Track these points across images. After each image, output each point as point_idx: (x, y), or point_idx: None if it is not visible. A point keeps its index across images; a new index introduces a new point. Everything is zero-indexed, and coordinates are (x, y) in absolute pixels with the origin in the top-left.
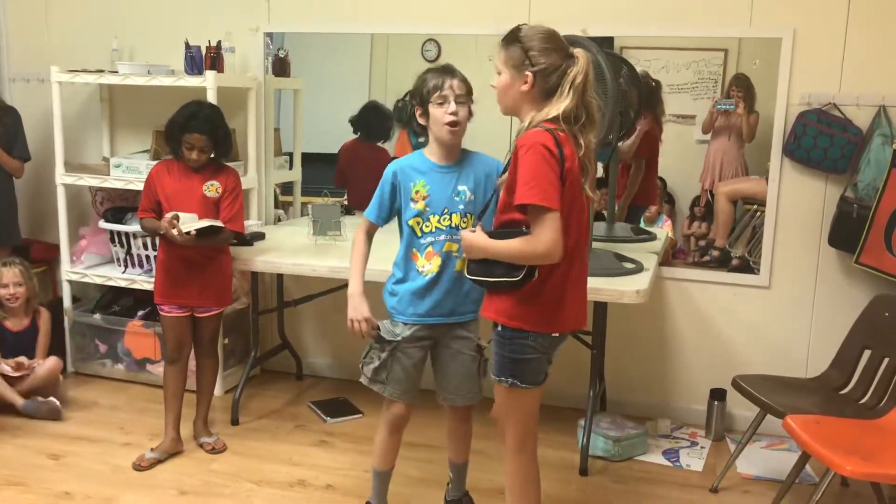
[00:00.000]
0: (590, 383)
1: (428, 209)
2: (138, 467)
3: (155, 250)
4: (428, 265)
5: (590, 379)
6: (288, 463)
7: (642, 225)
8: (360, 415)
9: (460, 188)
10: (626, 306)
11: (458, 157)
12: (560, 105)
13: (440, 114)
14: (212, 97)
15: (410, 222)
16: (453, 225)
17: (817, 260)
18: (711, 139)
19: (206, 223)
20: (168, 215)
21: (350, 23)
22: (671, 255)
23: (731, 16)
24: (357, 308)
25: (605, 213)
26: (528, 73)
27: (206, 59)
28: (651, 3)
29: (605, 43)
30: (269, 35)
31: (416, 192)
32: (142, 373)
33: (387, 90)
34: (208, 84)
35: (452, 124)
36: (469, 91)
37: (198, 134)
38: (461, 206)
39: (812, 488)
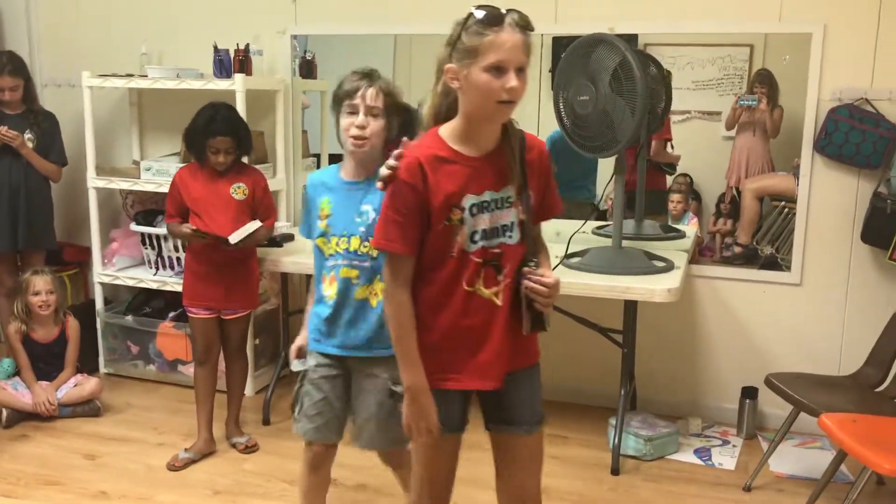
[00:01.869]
0: (621, 382)
1: (330, 230)
2: (172, 467)
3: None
4: (329, 290)
5: (620, 378)
6: None
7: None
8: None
9: (364, 208)
10: (656, 305)
11: (371, 171)
12: None
13: (346, 124)
14: (240, 100)
15: (318, 241)
16: (351, 249)
17: (850, 256)
18: (736, 135)
19: (246, 231)
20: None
21: (375, 24)
22: (698, 253)
23: (761, 11)
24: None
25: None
26: None
27: (234, 62)
28: (678, 0)
29: (630, 40)
30: (296, 37)
31: (321, 209)
32: (174, 373)
33: (411, 90)
34: (237, 87)
35: (357, 138)
36: (391, 105)
37: (221, 136)
38: (361, 229)
39: (846, 487)
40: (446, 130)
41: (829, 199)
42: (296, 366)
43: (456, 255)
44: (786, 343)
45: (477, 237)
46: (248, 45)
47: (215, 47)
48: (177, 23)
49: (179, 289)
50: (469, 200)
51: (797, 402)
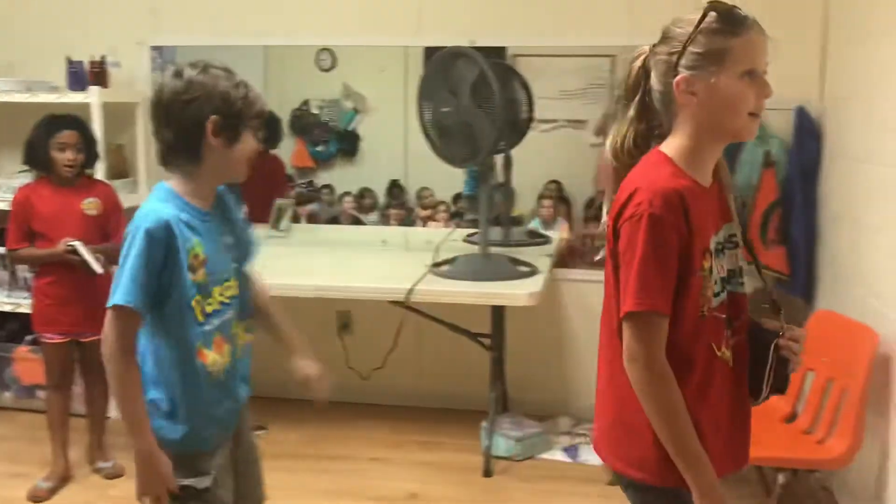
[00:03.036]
0: (490, 385)
1: (209, 280)
2: (36, 498)
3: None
4: (219, 359)
5: (490, 381)
6: None
7: (536, 226)
8: (265, 430)
9: (227, 240)
10: (525, 309)
11: (212, 194)
12: None
13: (251, 146)
14: (96, 113)
15: (193, 303)
16: (235, 294)
17: None
18: (605, 142)
19: (92, 258)
20: (62, 245)
21: (242, 35)
22: (568, 257)
23: (612, 25)
24: (161, 473)
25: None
26: None
27: (90, 74)
28: (539, 14)
29: (499, 52)
30: (158, 49)
31: (194, 256)
32: (32, 400)
33: (281, 100)
34: (93, 100)
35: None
36: None
37: (67, 130)
38: (233, 265)
39: None
40: (673, 154)
41: None
42: (203, 482)
43: (707, 316)
44: None
45: (718, 287)
46: (104, 57)
47: (69, 59)
48: (28, 33)
49: None
50: (713, 242)
51: None
